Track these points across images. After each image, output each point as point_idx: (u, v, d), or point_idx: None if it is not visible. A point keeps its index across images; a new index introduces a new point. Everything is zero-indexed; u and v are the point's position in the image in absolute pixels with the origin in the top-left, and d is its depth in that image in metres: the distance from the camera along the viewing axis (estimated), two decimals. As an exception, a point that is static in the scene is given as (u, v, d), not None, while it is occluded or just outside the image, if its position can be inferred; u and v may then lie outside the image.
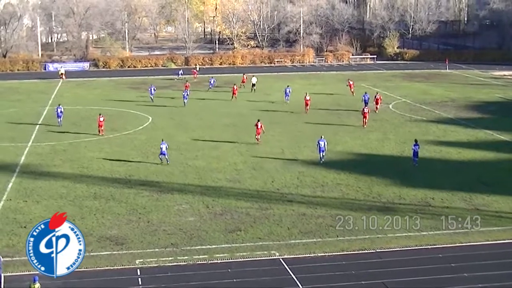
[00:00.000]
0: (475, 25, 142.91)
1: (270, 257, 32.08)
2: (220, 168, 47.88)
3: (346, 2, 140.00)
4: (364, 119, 62.16)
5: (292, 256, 32.11)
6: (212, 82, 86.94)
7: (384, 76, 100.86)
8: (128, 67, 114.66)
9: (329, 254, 32.40)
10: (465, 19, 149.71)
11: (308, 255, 32.28)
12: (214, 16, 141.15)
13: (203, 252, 32.55)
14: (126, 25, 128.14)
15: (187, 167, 48.07)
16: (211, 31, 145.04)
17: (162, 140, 49.43)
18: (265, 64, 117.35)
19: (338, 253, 32.50)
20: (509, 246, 33.43)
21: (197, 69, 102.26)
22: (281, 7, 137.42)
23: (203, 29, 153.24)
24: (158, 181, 44.69)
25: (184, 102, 73.17)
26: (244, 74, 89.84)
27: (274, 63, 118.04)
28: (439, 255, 32.19)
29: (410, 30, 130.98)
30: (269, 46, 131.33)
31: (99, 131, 58.60)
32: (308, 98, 69.24)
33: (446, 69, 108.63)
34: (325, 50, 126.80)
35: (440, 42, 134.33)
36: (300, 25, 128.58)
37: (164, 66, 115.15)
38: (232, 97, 77.31)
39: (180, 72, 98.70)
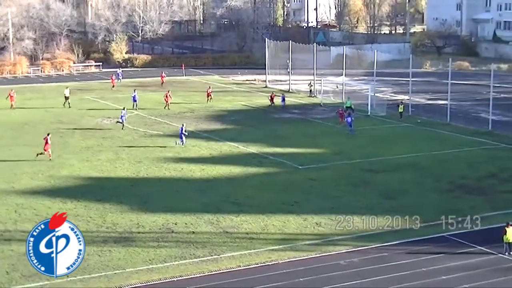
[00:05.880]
0: (213, 25, 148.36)
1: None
2: None
3: (64, 1, 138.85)
4: None
5: (13, 306, 31.31)
6: None
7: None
8: None
9: (59, 298, 31.99)
10: (201, 18, 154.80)
11: (34, 302, 31.65)
12: None
13: None
14: None
15: None
16: None
17: None
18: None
19: (70, 297, 32.16)
20: (263, 270, 34.94)
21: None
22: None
23: None
24: None
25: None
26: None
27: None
28: (186, 288, 32.98)
29: (140, 32, 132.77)
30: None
31: None
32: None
33: (183, 75, 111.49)
34: (41, 58, 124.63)
35: (174, 46, 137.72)
36: (8, 29, 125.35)
37: None
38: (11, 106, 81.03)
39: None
